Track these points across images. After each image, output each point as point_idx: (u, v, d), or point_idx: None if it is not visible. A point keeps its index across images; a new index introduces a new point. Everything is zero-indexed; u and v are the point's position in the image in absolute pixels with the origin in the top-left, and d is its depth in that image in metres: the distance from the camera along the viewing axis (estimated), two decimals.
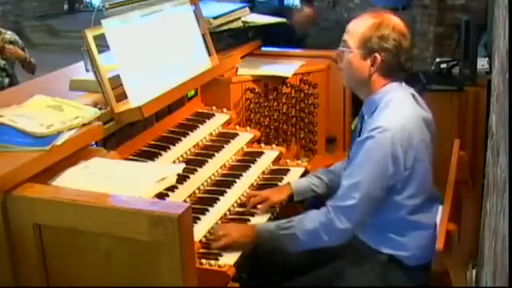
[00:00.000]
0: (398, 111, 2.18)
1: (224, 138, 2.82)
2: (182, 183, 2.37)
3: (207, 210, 2.35)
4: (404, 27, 2.24)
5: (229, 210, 2.44)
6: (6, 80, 4.82)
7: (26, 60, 4.85)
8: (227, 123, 2.94)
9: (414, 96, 2.27)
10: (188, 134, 2.70)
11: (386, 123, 2.13)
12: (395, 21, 2.24)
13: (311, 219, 2.21)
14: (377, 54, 2.19)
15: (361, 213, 2.17)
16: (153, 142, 2.58)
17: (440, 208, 2.26)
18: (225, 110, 2.96)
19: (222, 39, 3.11)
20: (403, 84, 2.28)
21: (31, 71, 4.96)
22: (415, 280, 2.24)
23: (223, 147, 2.74)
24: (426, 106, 2.29)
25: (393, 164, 2.13)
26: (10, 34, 4.85)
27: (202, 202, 2.40)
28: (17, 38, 4.91)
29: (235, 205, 2.49)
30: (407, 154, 2.15)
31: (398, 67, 2.22)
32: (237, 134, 2.89)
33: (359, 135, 2.26)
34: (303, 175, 2.83)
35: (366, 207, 2.17)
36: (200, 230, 2.23)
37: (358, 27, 2.23)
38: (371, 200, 2.16)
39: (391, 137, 2.12)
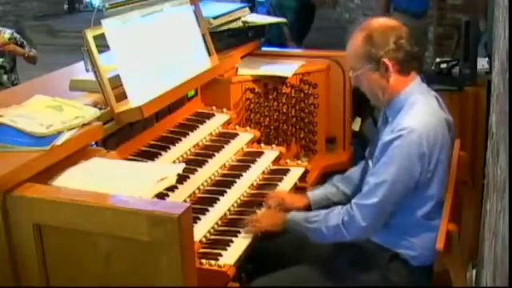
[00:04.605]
0: (424, 112, 2.20)
1: (224, 138, 2.82)
2: (182, 183, 2.37)
3: (207, 210, 2.35)
4: (390, 20, 2.29)
5: (229, 209, 2.44)
6: (5, 77, 4.88)
7: (25, 55, 4.96)
8: (227, 123, 2.94)
9: (437, 99, 2.30)
10: (188, 134, 2.70)
11: (413, 124, 2.15)
12: (380, 22, 2.28)
13: (335, 216, 2.25)
14: (384, 60, 2.21)
15: (383, 211, 2.20)
16: (153, 142, 2.58)
17: None
18: (225, 109, 2.96)
19: (222, 39, 3.11)
20: (425, 85, 2.30)
21: (33, 63, 5.13)
22: (416, 279, 2.26)
23: (223, 147, 2.74)
24: (447, 109, 2.31)
25: (419, 164, 2.16)
26: (8, 32, 4.91)
27: (202, 202, 2.39)
28: (15, 34, 4.97)
29: (235, 205, 2.49)
30: (432, 155, 2.17)
31: (409, 58, 2.24)
32: (237, 134, 2.88)
33: (382, 136, 2.27)
34: (303, 175, 2.84)
35: (388, 206, 2.20)
36: (200, 230, 2.23)
37: (354, 48, 2.26)
38: (394, 199, 2.19)
39: (418, 137, 2.14)
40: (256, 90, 3.07)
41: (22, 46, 5.01)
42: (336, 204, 2.44)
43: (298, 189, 2.75)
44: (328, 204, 2.53)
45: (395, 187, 2.17)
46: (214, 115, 2.92)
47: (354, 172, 2.58)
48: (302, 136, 3.25)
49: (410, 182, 2.18)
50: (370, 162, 2.32)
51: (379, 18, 2.33)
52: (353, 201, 2.24)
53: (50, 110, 2.14)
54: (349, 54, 2.30)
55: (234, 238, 2.27)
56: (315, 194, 2.59)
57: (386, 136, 2.21)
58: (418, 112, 2.19)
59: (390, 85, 2.25)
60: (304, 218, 2.33)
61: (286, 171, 2.81)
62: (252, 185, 2.64)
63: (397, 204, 2.21)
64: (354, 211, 2.20)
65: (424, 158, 2.16)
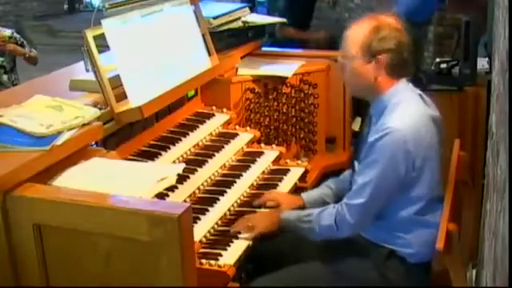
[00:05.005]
0: (408, 112, 2.21)
1: (224, 138, 2.82)
2: (182, 183, 2.37)
3: (207, 210, 2.35)
4: (399, 23, 2.28)
5: (229, 209, 2.44)
6: (5, 77, 4.88)
7: (26, 55, 4.96)
8: (227, 123, 2.94)
9: (421, 96, 2.30)
10: (188, 134, 2.70)
11: (397, 123, 2.17)
12: (390, 20, 2.28)
13: (327, 215, 2.29)
14: (380, 56, 2.22)
15: (370, 209, 2.24)
16: (153, 142, 2.58)
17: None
18: (225, 109, 2.96)
19: (222, 39, 3.11)
20: (410, 85, 2.31)
21: (33, 63, 5.12)
22: (415, 277, 2.27)
23: (223, 147, 2.74)
24: (433, 105, 2.32)
25: (404, 163, 2.17)
26: (9, 32, 4.92)
27: (202, 202, 2.39)
28: (15, 34, 4.98)
29: (235, 205, 2.49)
30: (418, 154, 2.19)
31: (402, 64, 2.26)
32: (237, 134, 2.88)
33: (367, 137, 2.28)
34: (303, 175, 2.84)
35: (375, 204, 2.23)
36: (200, 230, 2.23)
37: (357, 34, 2.25)
38: (381, 198, 2.22)
39: (402, 136, 2.16)
40: (256, 90, 3.07)
41: (22, 45, 5.02)
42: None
43: (298, 189, 2.75)
44: (323, 205, 2.54)
45: (381, 186, 2.19)
46: (214, 115, 2.92)
47: (348, 175, 2.59)
48: (302, 136, 3.25)
49: (397, 181, 2.20)
50: (356, 164, 2.35)
51: (389, 17, 2.33)
52: (343, 200, 2.28)
53: (50, 109, 2.14)
54: (349, 37, 2.28)
55: (233, 238, 2.27)
56: (310, 195, 2.59)
57: (371, 136, 2.23)
58: (402, 111, 2.21)
59: (376, 83, 2.25)
60: (297, 217, 2.36)
61: (286, 171, 2.81)
62: (252, 185, 2.64)
63: (385, 201, 2.23)
64: (343, 211, 2.25)
65: (409, 157, 2.17)
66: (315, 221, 2.30)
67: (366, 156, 2.23)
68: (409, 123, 2.18)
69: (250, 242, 2.27)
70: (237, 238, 2.28)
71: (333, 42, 4.84)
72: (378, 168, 2.18)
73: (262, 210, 2.49)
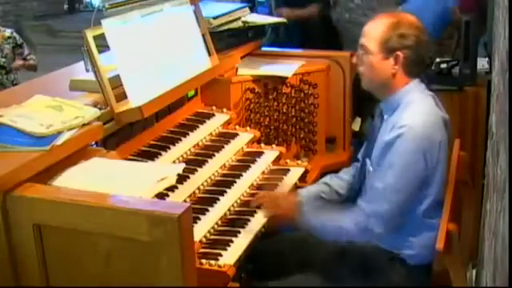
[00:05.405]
0: (422, 110, 2.21)
1: (224, 138, 2.82)
2: (182, 183, 2.37)
3: (207, 210, 2.35)
4: (420, 23, 2.28)
5: (229, 209, 2.44)
6: (5, 77, 4.89)
7: (25, 66, 4.98)
8: (227, 123, 2.93)
9: (433, 97, 2.30)
10: (188, 134, 2.70)
11: (412, 121, 2.16)
12: (411, 18, 2.28)
13: (348, 220, 2.21)
14: (399, 53, 2.21)
15: (397, 215, 2.19)
16: (153, 142, 2.58)
17: None
18: (225, 109, 2.96)
19: (222, 39, 3.11)
20: (423, 85, 2.30)
21: (33, 70, 5.15)
22: (416, 278, 2.26)
23: (223, 147, 2.74)
24: (443, 107, 2.32)
25: (422, 160, 2.16)
26: (8, 32, 4.93)
27: (202, 202, 2.39)
28: (14, 33, 4.99)
29: (235, 205, 2.49)
30: (432, 153, 2.18)
31: (420, 62, 2.26)
32: (237, 134, 2.88)
33: (377, 133, 2.27)
34: (303, 175, 2.83)
35: (401, 208, 2.19)
36: (200, 230, 2.23)
37: (376, 29, 2.25)
38: (406, 200, 2.18)
39: (419, 134, 2.15)
40: (256, 90, 3.07)
41: (21, 46, 5.03)
42: (327, 202, 2.46)
43: (298, 189, 2.75)
44: (320, 202, 2.52)
45: (405, 188, 2.16)
46: (214, 115, 2.92)
47: (347, 172, 2.59)
48: (302, 136, 3.25)
49: (417, 180, 2.17)
50: (367, 161, 2.32)
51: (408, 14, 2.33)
52: (365, 206, 2.21)
53: (50, 109, 2.14)
54: (369, 31, 2.27)
55: (233, 238, 2.27)
56: (308, 192, 2.57)
57: (385, 135, 2.21)
58: (416, 110, 2.20)
59: (392, 80, 2.25)
60: (317, 218, 2.30)
61: (286, 171, 2.81)
62: (252, 185, 2.64)
63: (410, 203, 2.19)
64: (370, 217, 2.17)
65: (426, 154, 2.16)
66: (334, 220, 2.24)
67: (381, 156, 2.20)
68: (423, 122, 2.17)
69: (250, 240, 2.27)
70: (236, 236, 2.29)
71: (326, 15, 4.95)
72: (399, 170, 2.15)
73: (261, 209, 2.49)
